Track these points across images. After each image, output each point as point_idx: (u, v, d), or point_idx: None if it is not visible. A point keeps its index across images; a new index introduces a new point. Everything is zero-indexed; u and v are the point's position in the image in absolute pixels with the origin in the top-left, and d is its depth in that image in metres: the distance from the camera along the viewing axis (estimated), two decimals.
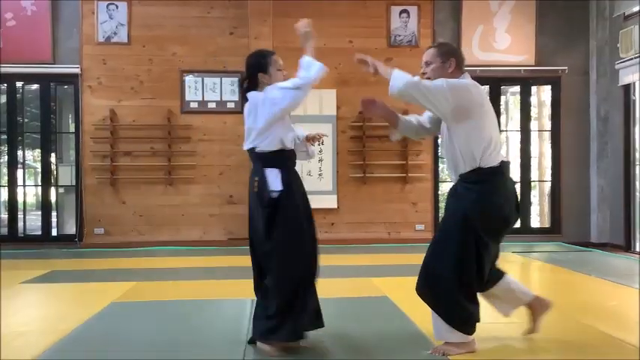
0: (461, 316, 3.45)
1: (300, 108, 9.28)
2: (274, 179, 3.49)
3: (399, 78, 3.47)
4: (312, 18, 10.08)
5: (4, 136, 9.18)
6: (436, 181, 9.42)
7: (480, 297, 3.60)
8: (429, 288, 3.47)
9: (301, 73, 3.60)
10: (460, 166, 3.51)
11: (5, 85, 9.00)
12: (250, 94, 3.63)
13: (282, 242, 3.45)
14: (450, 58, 3.63)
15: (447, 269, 3.40)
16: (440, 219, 9.57)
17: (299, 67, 3.61)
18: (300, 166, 9.53)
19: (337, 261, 7.10)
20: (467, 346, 3.50)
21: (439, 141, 3.64)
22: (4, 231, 9.14)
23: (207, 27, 9.02)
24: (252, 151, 3.60)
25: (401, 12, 9.21)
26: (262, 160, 3.55)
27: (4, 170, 9.63)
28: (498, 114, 9.72)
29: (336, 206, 8.93)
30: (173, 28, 9.00)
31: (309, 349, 3.60)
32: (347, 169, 9.10)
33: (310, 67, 3.61)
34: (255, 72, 3.65)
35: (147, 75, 8.98)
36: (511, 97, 11.38)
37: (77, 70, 8.85)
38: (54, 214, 9.35)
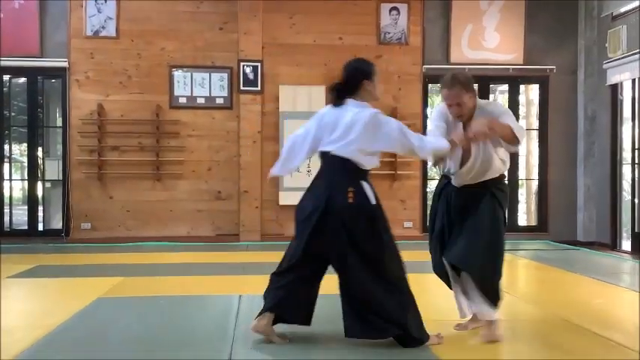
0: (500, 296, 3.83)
1: (290, 105, 9.32)
2: (370, 193, 3.58)
3: (521, 128, 3.76)
4: (302, 14, 10.17)
5: None
6: (425, 178, 9.44)
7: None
8: (485, 271, 3.70)
9: (433, 144, 3.63)
10: (495, 172, 3.80)
11: None
12: (368, 111, 3.57)
13: (389, 247, 3.59)
14: (471, 85, 3.79)
15: (500, 256, 3.78)
16: (428, 217, 9.60)
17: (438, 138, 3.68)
18: None
19: None
20: (500, 326, 3.78)
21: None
22: None
23: (197, 22, 8.98)
24: (345, 160, 3.55)
25: (391, 9, 9.21)
26: (355, 172, 3.57)
27: None
28: None
29: None
30: (162, 22, 8.95)
31: (304, 345, 3.61)
32: None
33: (439, 148, 3.63)
34: (361, 78, 3.64)
35: (135, 69, 8.93)
36: (499, 95, 11.42)
37: (65, 64, 8.78)
38: (40, 208, 9.28)
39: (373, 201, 3.57)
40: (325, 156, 3.65)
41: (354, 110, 3.57)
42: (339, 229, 3.49)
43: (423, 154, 3.67)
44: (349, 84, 3.64)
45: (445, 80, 3.80)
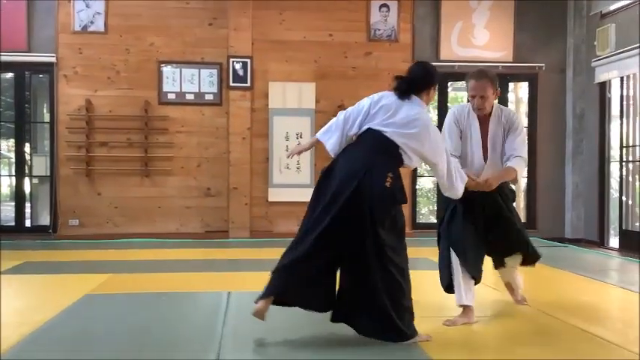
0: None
1: (280, 101, 9.26)
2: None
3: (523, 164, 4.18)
4: (292, 11, 10.14)
5: None
6: (414, 175, 9.46)
7: (467, 282, 4.04)
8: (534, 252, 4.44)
9: (459, 178, 3.73)
10: None
11: None
12: (428, 115, 3.79)
13: (402, 238, 3.66)
14: (496, 83, 4.12)
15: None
16: (417, 214, 9.65)
17: (462, 172, 3.83)
18: (279, 160, 9.50)
19: None
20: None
21: (473, 154, 4.20)
22: None
23: (186, 17, 8.93)
24: (395, 146, 3.57)
25: (381, 6, 9.21)
26: (397, 161, 3.61)
27: None
28: None
29: None
30: (151, 17, 8.89)
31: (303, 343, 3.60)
32: (325, 163, 9.01)
33: (460, 181, 3.74)
34: (431, 82, 3.77)
35: (124, 65, 8.87)
36: None
37: (53, 59, 8.71)
38: (28, 204, 9.21)
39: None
40: (375, 134, 3.62)
41: (418, 108, 3.65)
42: (366, 208, 3.46)
43: (448, 187, 3.71)
44: (419, 83, 3.71)
45: (473, 73, 4.12)
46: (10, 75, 9.30)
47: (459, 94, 12.42)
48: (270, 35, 9.02)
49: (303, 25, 9.08)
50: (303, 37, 9.06)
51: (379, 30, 9.21)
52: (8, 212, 9.61)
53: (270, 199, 8.95)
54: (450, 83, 9.82)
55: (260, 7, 8.94)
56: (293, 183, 8.89)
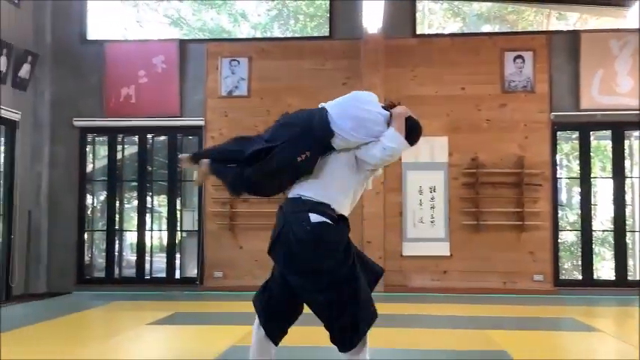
0: None
1: (413, 155, 9.26)
2: None
3: None
4: (423, 67, 10.18)
5: (135, 183, 9.88)
6: (555, 229, 9.05)
7: None
8: None
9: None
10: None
11: (137, 136, 9.74)
12: None
13: None
14: None
15: None
16: (560, 269, 9.18)
17: None
18: (412, 214, 9.44)
19: (449, 310, 6.94)
20: None
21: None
22: (133, 272, 9.75)
23: (321, 78, 9.28)
24: None
25: (515, 57, 9.09)
26: None
27: (134, 215, 10.32)
28: (622, 159, 9.26)
29: (448, 254, 8.79)
30: (289, 80, 9.36)
31: None
32: (459, 217, 8.95)
33: None
34: None
35: (264, 125, 9.14)
36: (635, 141, 10.79)
37: (202, 123, 9.40)
38: (177, 256, 9.84)
39: None
40: None
41: None
42: None
43: None
44: None
45: None
46: (163, 137, 10.14)
47: (601, 143, 11.83)
48: (402, 91, 9.16)
49: (434, 80, 9.16)
50: (435, 91, 9.13)
51: (514, 81, 9.08)
52: (159, 264, 10.30)
53: (404, 254, 8.92)
54: (591, 132, 9.40)
55: (392, 65, 9.14)
56: (427, 237, 8.84)
